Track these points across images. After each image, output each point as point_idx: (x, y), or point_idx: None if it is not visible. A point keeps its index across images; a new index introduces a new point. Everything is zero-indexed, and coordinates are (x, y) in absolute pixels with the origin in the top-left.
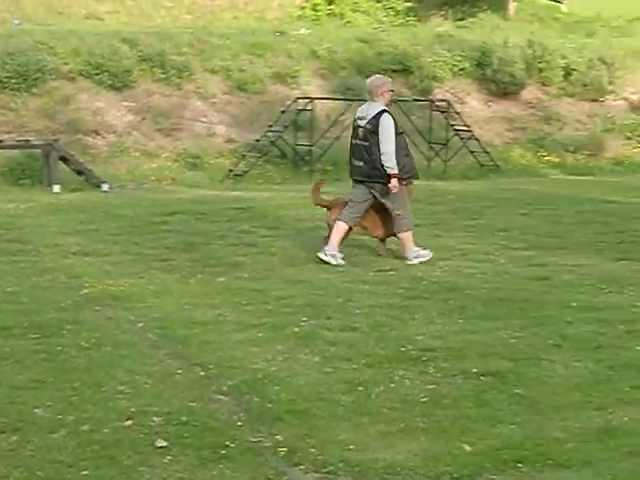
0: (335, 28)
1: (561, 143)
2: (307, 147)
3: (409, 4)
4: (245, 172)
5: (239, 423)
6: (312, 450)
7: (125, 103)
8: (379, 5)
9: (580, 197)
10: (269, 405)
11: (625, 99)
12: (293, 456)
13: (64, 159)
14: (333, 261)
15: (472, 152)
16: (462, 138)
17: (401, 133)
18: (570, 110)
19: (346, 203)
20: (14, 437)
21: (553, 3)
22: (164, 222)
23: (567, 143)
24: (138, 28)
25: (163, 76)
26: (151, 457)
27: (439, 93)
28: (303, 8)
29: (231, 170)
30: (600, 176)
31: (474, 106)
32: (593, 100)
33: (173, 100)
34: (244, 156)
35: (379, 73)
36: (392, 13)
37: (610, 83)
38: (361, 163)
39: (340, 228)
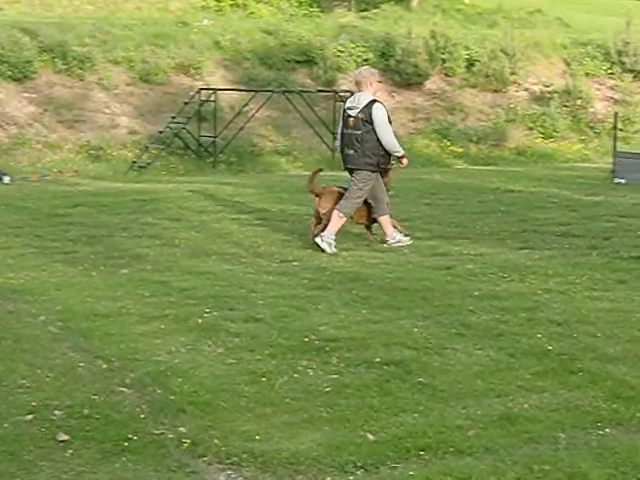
0: (238, 19)
1: (465, 133)
2: (211, 138)
3: None
4: (148, 164)
5: (142, 416)
6: (216, 441)
7: (26, 94)
8: None
9: (483, 187)
10: (172, 397)
11: (526, 90)
12: (197, 448)
13: None
14: (328, 249)
15: None
16: None
17: (390, 122)
18: (473, 101)
19: (335, 192)
20: None
21: None
22: (67, 214)
23: (470, 133)
24: (39, 18)
25: (65, 67)
26: (52, 451)
27: (343, 84)
28: None
29: (134, 162)
30: (503, 166)
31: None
32: (495, 91)
33: (75, 91)
34: (147, 148)
35: (282, 64)
36: (295, 4)
37: (512, 74)
38: (351, 151)
39: (337, 217)
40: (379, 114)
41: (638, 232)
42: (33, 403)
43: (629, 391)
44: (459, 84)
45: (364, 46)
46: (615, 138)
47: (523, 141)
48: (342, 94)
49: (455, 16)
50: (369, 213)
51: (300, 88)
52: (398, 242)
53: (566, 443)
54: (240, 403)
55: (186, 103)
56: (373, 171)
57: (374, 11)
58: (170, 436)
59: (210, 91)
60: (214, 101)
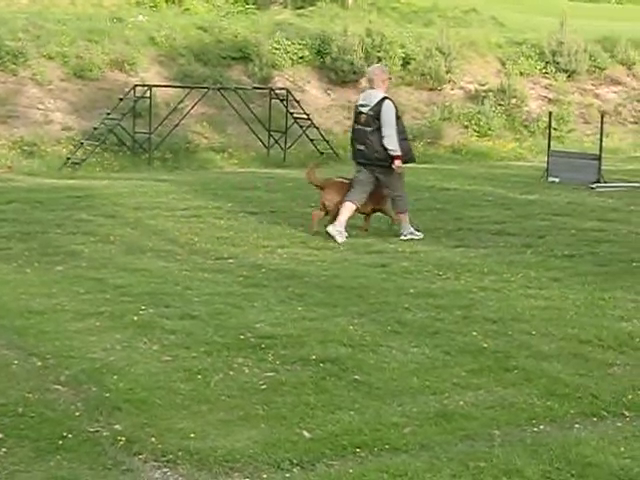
0: (174, 15)
1: None
2: (146, 135)
3: None
4: (83, 160)
5: (77, 413)
6: (151, 439)
7: None
8: None
9: (419, 184)
10: (107, 395)
11: (462, 88)
12: (132, 445)
13: None
14: (339, 238)
15: (312, 140)
16: (301, 126)
17: (399, 117)
18: (409, 99)
19: (339, 183)
20: None
21: None
22: (0, 211)
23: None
24: None
25: None
26: None
27: (279, 81)
28: None
29: (69, 158)
30: (438, 164)
31: (313, 94)
32: (431, 89)
33: (8, 86)
34: (82, 144)
35: (218, 60)
36: (231, 1)
37: (447, 72)
38: (362, 147)
39: (348, 208)
40: (387, 111)
41: (572, 230)
42: None
43: (563, 388)
44: (395, 82)
45: (300, 43)
46: (549, 137)
47: (458, 139)
48: (278, 91)
49: (391, 14)
50: (371, 202)
51: (236, 85)
52: (411, 234)
53: (501, 440)
54: (176, 400)
55: (121, 99)
56: (388, 165)
57: (310, 9)
58: (105, 434)
59: (145, 87)
60: (149, 97)
